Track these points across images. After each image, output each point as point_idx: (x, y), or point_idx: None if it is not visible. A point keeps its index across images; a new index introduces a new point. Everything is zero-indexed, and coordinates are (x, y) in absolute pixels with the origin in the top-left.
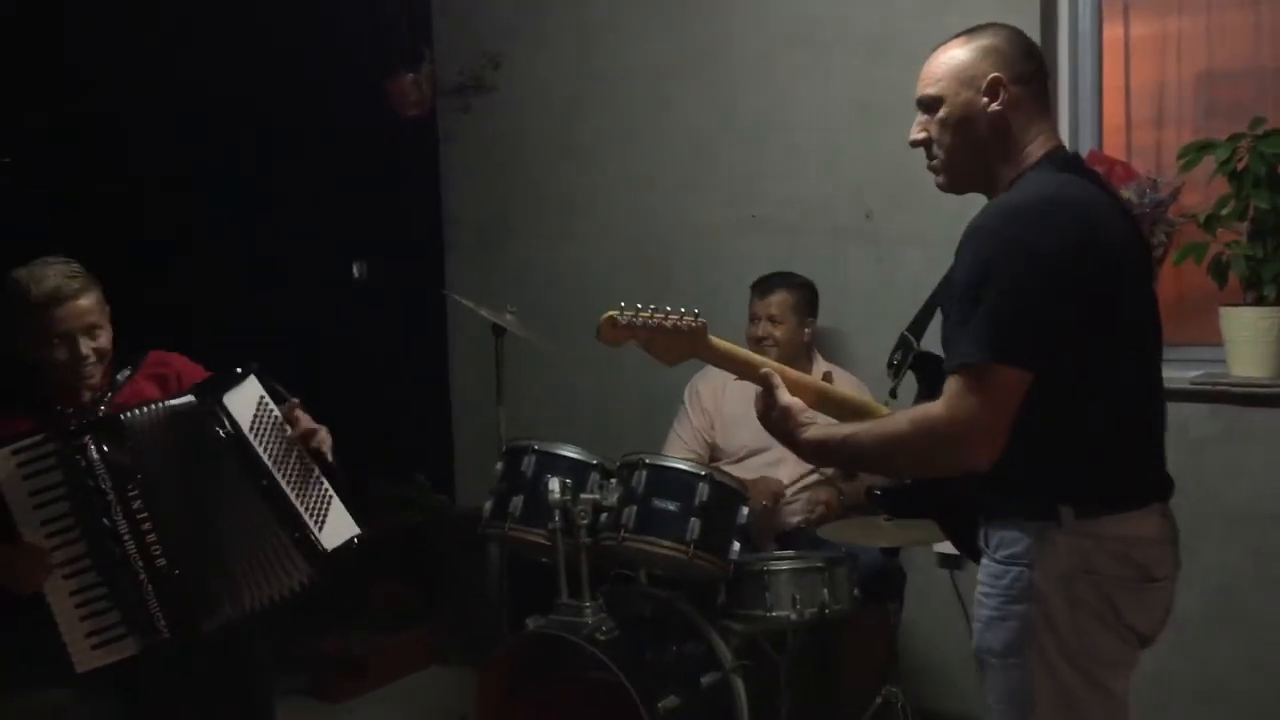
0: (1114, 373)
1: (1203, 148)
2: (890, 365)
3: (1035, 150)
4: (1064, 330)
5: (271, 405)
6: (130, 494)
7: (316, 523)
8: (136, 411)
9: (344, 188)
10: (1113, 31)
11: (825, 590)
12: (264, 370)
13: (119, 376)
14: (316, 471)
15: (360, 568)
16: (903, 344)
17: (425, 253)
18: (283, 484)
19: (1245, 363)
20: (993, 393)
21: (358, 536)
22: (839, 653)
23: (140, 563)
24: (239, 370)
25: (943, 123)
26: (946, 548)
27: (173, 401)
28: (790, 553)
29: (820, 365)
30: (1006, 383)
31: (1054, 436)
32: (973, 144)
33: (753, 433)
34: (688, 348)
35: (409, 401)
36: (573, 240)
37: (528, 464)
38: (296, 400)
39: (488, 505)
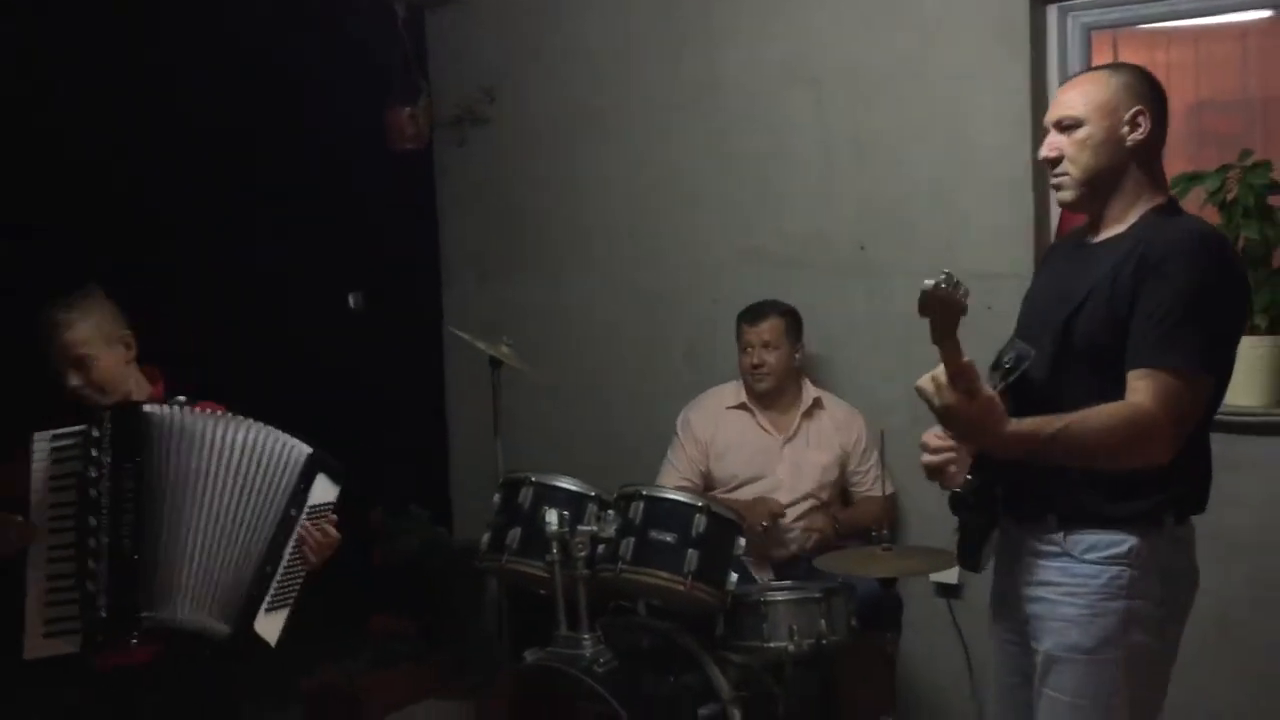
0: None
1: (1192, 179)
2: (999, 367)
3: (1165, 189)
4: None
5: (330, 511)
6: (125, 468)
7: (266, 607)
8: (159, 407)
9: (343, 220)
10: (1101, 63)
11: (823, 620)
12: (352, 489)
13: (179, 399)
14: (299, 582)
15: (358, 600)
16: (1021, 351)
17: (423, 285)
18: (285, 557)
19: (1237, 392)
20: (1198, 398)
21: (269, 646)
22: (837, 683)
23: (106, 538)
24: (341, 471)
25: (1082, 143)
26: (944, 577)
27: (277, 434)
28: (787, 583)
29: (810, 391)
30: (1206, 392)
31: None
32: (1110, 167)
33: (744, 462)
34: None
35: (407, 433)
36: (570, 272)
37: (525, 496)
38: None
39: (485, 537)
